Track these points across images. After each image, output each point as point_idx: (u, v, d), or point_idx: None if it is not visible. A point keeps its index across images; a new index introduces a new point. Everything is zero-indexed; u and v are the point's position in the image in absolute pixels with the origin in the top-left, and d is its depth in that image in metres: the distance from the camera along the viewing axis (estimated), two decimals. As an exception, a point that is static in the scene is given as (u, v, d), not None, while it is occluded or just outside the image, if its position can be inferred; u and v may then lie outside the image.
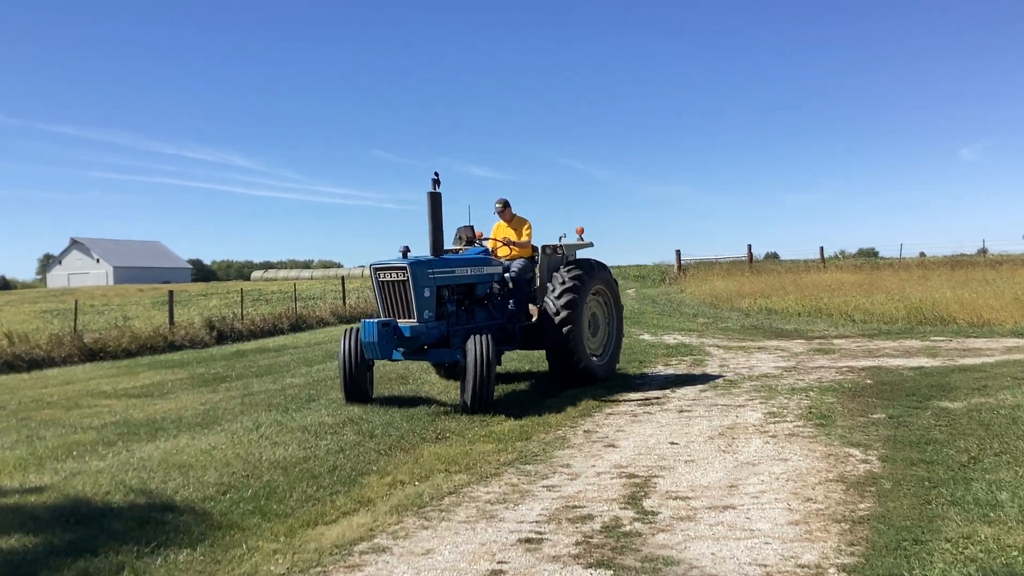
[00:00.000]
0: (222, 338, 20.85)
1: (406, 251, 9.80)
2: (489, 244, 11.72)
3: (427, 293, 9.72)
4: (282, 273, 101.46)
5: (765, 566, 4.65)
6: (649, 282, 42.34)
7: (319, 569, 4.81)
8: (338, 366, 9.99)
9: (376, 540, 5.29)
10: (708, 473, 6.67)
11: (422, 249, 10.29)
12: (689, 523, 5.46)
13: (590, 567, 4.73)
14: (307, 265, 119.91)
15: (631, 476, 6.66)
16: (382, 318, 9.56)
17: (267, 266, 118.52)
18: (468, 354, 9.24)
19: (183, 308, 27.67)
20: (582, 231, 11.53)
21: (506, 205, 11.76)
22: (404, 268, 9.63)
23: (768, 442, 7.64)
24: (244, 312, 23.87)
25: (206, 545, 5.21)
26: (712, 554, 4.87)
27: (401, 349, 9.70)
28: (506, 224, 11.88)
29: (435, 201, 9.92)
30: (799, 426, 8.28)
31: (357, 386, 9.88)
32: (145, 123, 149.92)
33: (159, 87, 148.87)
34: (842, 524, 5.30)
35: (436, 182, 9.92)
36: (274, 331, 22.78)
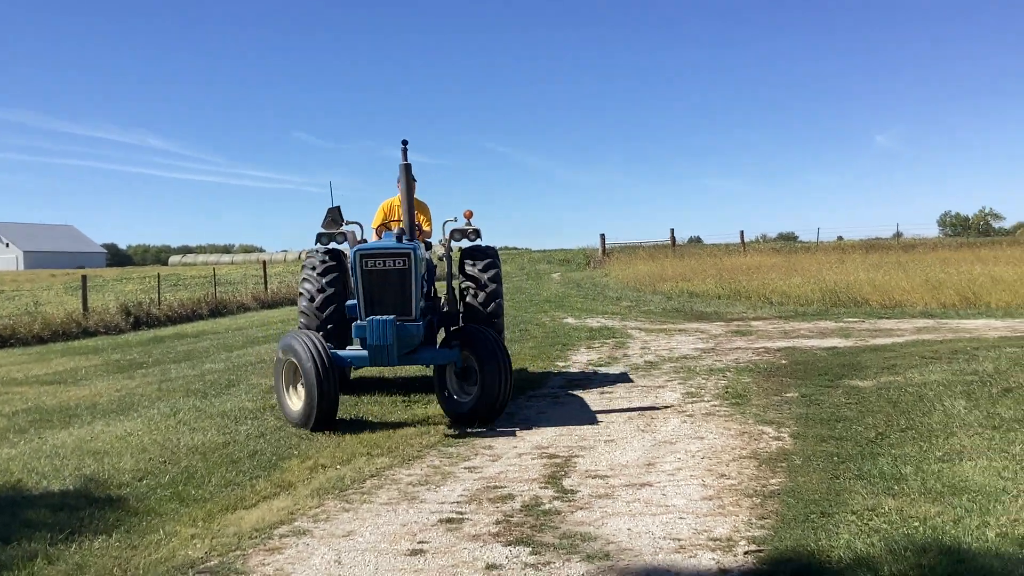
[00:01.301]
0: (138, 324, 20.38)
1: (400, 235, 8.29)
2: (395, 228, 9.17)
3: (421, 284, 8.42)
4: (201, 258, 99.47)
5: (679, 540, 4.78)
6: (574, 266, 42.65)
7: (238, 552, 4.79)
8: (302, 385, 7.74)
9: (297, 523, 5.29)
10: (627, 452, 6.80)
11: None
12: (607, 500, 5.57)
13: (509, 544, 4.80)
14: (227, 250, 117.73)
15: (552, 456, 6.75)
16: (371, 314, 7.92)
17: (185, 251, 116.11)
18: (487, 353, 7.97)
19: (97, 293, 26.95)
20: (470, 215, 9.68)
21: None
22: (407, 254, 8.09)
23: (685, 421, 7.82)
24: (161, 297, 23.36)
25: (122, 531, 5.15)
26: (628, 530, 4.99)
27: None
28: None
29: (408, 173, 8.58)
30: (715, 406, 8.49)
31: (331, 409, 7.77)
32: (54, 103, 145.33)
33: (69, 66, 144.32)
34: (754, 499, 5.47)
35: (405, 151, 8.56)
36: (193, 316, 22.36)
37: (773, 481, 5.83)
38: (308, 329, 8.60)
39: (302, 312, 9.04)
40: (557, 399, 9.19)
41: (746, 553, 4.53)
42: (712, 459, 6.47)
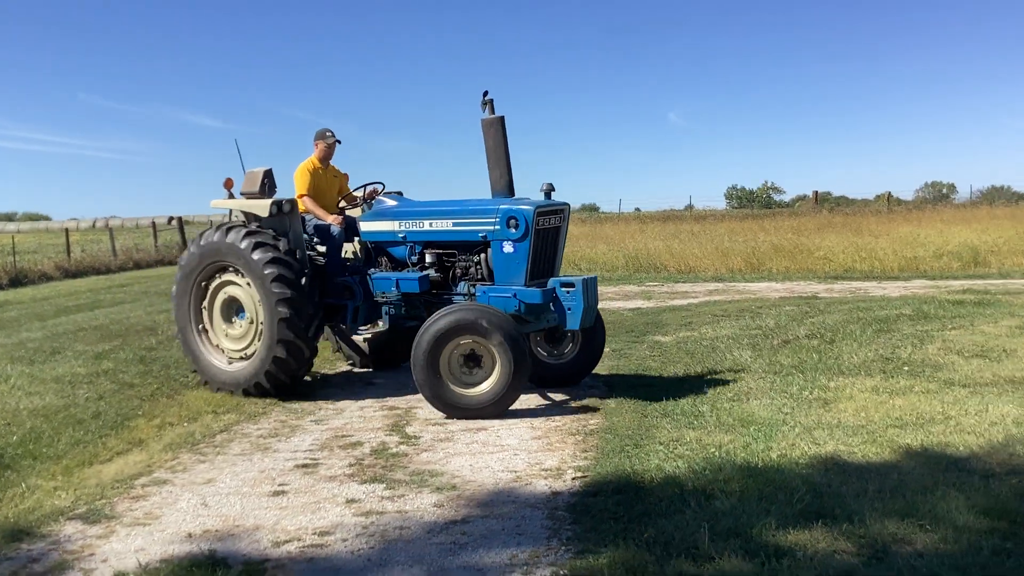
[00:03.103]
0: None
1: (549, 189, 7.80)
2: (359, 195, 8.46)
3: None
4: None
5: (515, 472, 5.44)
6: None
7: (104, 501, 5.06)
8: (499, 364, 6.74)
9: (155, 474, 5.57)
10: (461, 403, 7.40)
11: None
12: (448, 443, 6.16)
13: (365, 483, 5.31)
14: (10, 218, 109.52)
15: (392, 408, 7.28)
16: (527, 282, 7.25)
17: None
18: None
19: None
20: (231, 184, 8.26)
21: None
22: (562, 210, 7.76)
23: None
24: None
25: (-20, 488, 5.27)
26: (470, 466, 5.60)
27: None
28: (328, 170, 8.50)
29: (501, 128, 7.55)
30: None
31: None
32: None
33: None
34: (576, 436, 6.21)
35: (491, 104, 7.52)
36: (-11, 286, 21.12)
37: (592, 422, 6.60)
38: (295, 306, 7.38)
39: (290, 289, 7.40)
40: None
41: (574, 479, 5.24)
42: (537, 405, 7.19)
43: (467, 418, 6.74)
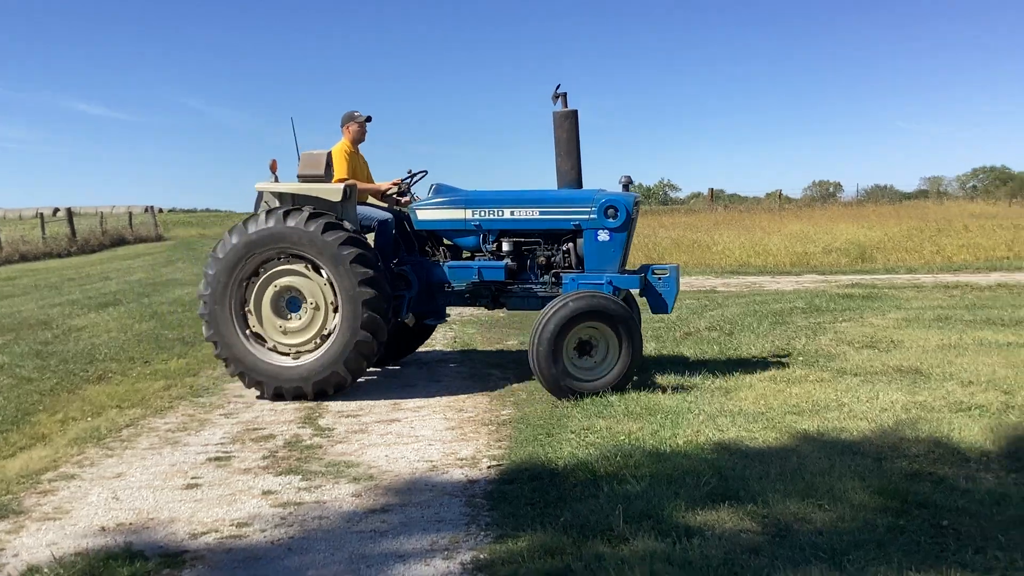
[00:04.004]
0: None
1: (628, 182, 7.79)
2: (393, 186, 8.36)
3: None
4: None
5: (431, 461, 5.51)
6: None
7: (10, 496, 4.92)
8: (622, 348, 6.92)
9: (62, 469, 5.44)
10: (372, 394, 7.43)
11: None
12: (363, 435, 6.19)
13: (280, 475, 5.30)
14: None
15: (304, 401, 7.24)
16: (620, 270, 7.57)
17: None
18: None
19: None
20: (276, 167, 7.87)
21: None
22: (640, 201, 8.12)
23: (422, 368, 8.59)
24: None
25: None
26: (386, 456, 5.65)
27: None
28: (358, 153, 8.47)
29: (574, 121, 7.73)
30: (447, 353, 9.34)
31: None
32: None
33: None
34: (490, 426, 6.32)
35: (564, 97, 7.71)
36: None
37: (504, 412, 6.72)
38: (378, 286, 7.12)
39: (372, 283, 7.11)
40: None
41: (489, 467, 5.34)
42: (450, 397, 7.26)
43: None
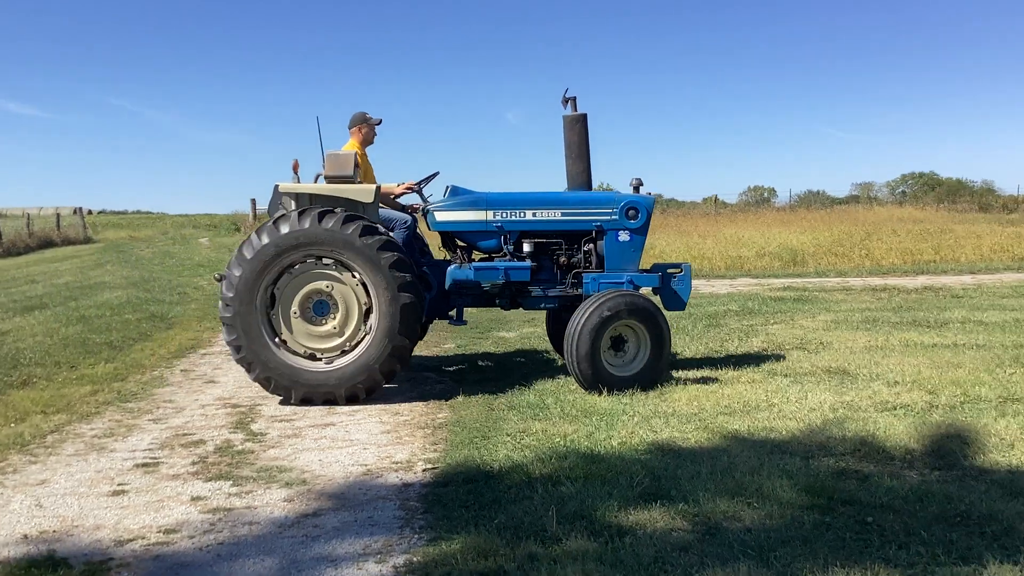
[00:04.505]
0: None
1: (639, 184, 8.04)
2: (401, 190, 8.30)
3: None
4: None
5: (366, 465, 5.47)
6: (223, 231, 41.54)
7: (-73, 507, 4.76)
8: (647, 343, 7.20)
9: (-18, 478, 5.28)
10: (307, 399, 7.34)
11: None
12: (296, 439, 6.12)
13: (210, 480, 5.21)
14: None
15: (235, 406, 7.14)
16: (638, 269, 7.98)
17: None
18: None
19: None
20: (298, 167, 7.92)
21: None
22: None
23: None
24: None
25: None
26: (320, 461, 5.59)
27: None
28: (366, 156, 8.50)
29: (584, 125, 7.97)
30: (383, 357, 9.26)
31: None
32: None
33: None
34: (425, 430, 6.29)
35: (574, 101, 7.94)
36: None
37: (440, 415, 6.69)
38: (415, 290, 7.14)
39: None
40: (231, 356, 9.42)
41: (424, 470, 5.32)
42: (385, 401, 7.21)
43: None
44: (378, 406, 7.02)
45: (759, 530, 4.12)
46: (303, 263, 7.05)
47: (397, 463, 5.50)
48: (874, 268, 18.91)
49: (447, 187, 7.99)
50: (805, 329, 10.14)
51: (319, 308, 7.13)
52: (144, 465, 5.53)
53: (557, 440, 5.75)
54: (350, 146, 8.18)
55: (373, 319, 7.01)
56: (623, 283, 7.61)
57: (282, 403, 7.12)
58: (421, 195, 8.17)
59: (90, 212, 56.52)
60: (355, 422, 6.56)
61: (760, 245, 21.66)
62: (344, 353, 7.10)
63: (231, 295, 6.96)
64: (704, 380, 7.40)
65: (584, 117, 7.94)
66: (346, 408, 6.99)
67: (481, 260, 7.93)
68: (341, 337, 7.11)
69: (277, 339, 7.06)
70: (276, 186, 7.48)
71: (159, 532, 4.38)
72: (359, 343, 7.07)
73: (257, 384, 7.07)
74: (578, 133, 7.93)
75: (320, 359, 7.10)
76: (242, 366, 7.13)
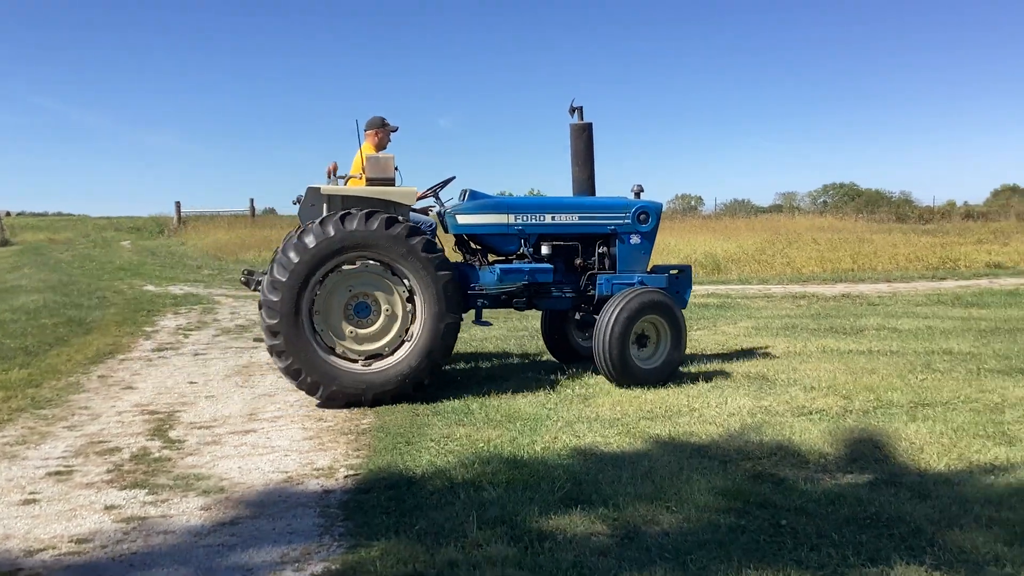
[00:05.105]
0: None
1: (639, 190, 8.48)
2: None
3: None
4: None
5: (287, 472, 5.41)
6: (146, 234, 40.74)
7: None
8: (665, 337, 7.64)
9: None
10: (228, 405, 7.24)
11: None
12: (215, 446, 6.01)
13: (125, 488, 5.09)
14: None
15: (153, 413, 6.99)
16: (645, 270, 8.31)
17: None
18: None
19: None
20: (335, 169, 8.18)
21: None
22: None
23: (281, 377, 8.35)
24: None
25: None
26: (239, 468, 5.50)
27: None
28: None
29: (589, 134, 8.50)
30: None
31: None
32: None
33: None
34: (349, 436, 6.25)
35: (580, 111, 8.44)
36: None
37: (364, 422, 6.65)
38: (458, 291, 7.42)
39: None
40: (150, 362, 9.26)
41: (346, 477, 5.28)
42: (309, 407, 7.14)
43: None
44: (302, 412, 6.96)
45: (676, 533, 4.18)
46: (347, 265, 7.10)
47: (319, 470, 5.45)
48: (795, 276, 19.36)
49: (464, 191, 8.15)
50: (727, 335, 10.33)
51: (360, 311, 7.18)
52: (57, 473, 5.38)
53: (481, 445, 5.76)
54: (366, 148, 8.40)
55: (418, 321, 7.12)
56: (635, 283, 7.93)
57: (322, 405, 7.09)
58: (438, 199, 8.32)
59: (8, 214, 54.85)
60: (277, 428, 6.48)
61: (686, 252, 22.00)
62: (389, 354, 7.17)
63: (276, 299, 6.87)
64: (627, 386, 7.48)
65: (590, 126, 8.42)
66: (268, 414, 6.91)
67: (501, 262, 8.08)
68: (385, 339, 7.20)
69: (321, 341, 7.06)
70: (309, 188, 7.60)
71: (71, 542, 4.27)
72: (402, 345, 7.19)
73: (175, 391, 6.94)
74: (584, 141, 8.41)
75: (359, 361, 7.14)
76: (288, 376, 7.03)
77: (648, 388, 7.35)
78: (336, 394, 6.97)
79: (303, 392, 7.10)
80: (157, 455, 5.80)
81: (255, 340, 10.58)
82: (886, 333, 10.37)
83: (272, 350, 6.98)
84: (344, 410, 7.00)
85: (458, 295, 7.28)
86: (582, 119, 8.39)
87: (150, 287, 17.54)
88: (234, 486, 5.14)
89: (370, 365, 7.12)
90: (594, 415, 6.54)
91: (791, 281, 18.29)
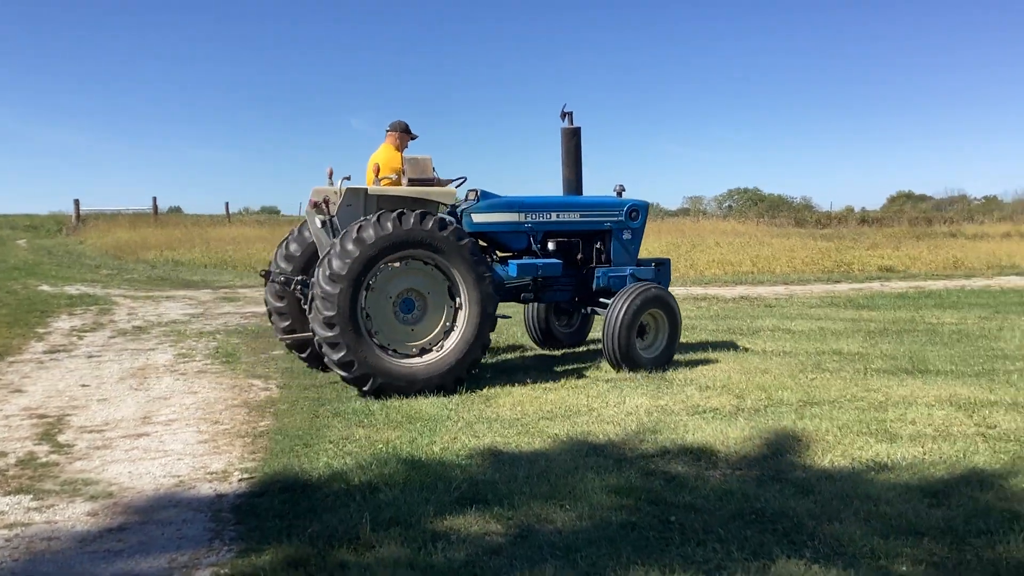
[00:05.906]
0: None
1: (621, 190, 9.22)
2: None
3: None
4: None
5: (179, 476, 5.31)
6: (44, 232, 39.22)
7: None
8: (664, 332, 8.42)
9: None
10: (121, 408, 7.06)
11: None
12: (106, 451, 5.86)
13: (9, 494, 4.93)
14: None
15: (42, 416, 6.77)
16: (634, 263, 9.05)
17: None
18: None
19: None
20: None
21: None
22: None
23: (179, 379, 8.23)
24: None
25: None
26: (129, 472, 5.38)
27: None
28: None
29: (578, 138, 9.11)
30: (207, 364, 9.01)
31: None
32: None
33: None
34: (245, 439, 6.16)
35: (570, 116, 9.03)
36: None
37: (262, 424, 6.57)
38: (497, 286, 8.04)
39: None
40: (42, 364, 8.96)
41: (240, 480, 5.21)
42: (206, 410, 7.01)
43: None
44: (197, 415, 6.83)
45: (569, 531, 4.25)
46: (396, 264, 7.39)
47: (212, 473, 5.36)
48: (697, 278, 19.80)
49: (476, 191, 8.51)
50: (629, 336, 10.50)
51: (405, 306, 7.48)
52: (-66, 481, 5.18)
53: (380, 447, 5.75)
54: (387, 149, 8.71)
55: (463, 315, 7.49)
56: (627, 276, 8.63)
57: (363, 394, 7.24)
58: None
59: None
60: (171, 432, 6.35)
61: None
62: (435, 349, 7.49)
63: (336, 311, 6.97)
64: (529, 385, 7.56)
65: (578, 130, 9.02)
66: (163, 417, 6.77)
67: (512, 258, 8.55)
68: (431, 333, 7.52)
69: (373, 338, 7.26)
70: (348, 189, 7.72)
71: (-54, 552, 4.12)
72: (446, 338, 7.51)
73: (65, 394, 6.75)
74: (575, 144, 9.02)
75: (410, 355, 7.42)
76: (339, 368, 7.11)
77: (549, 389, 7.45)
78: (384, 387, 7.16)
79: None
80: (44, 460, 5.62)
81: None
82: (780, 334, 10.70)
83: (325, 341, 7.04)
84: (242, 412, 6.91)
85: (497, 292, 7.74)
86: (572, 123, 8.98)
87: (45, 287, 16.94)
88: (123, 491, 5.03)
89: (417, 358, 7.40)
90: (495, 415, 6.59)
91: (694, 283, 18.70)
